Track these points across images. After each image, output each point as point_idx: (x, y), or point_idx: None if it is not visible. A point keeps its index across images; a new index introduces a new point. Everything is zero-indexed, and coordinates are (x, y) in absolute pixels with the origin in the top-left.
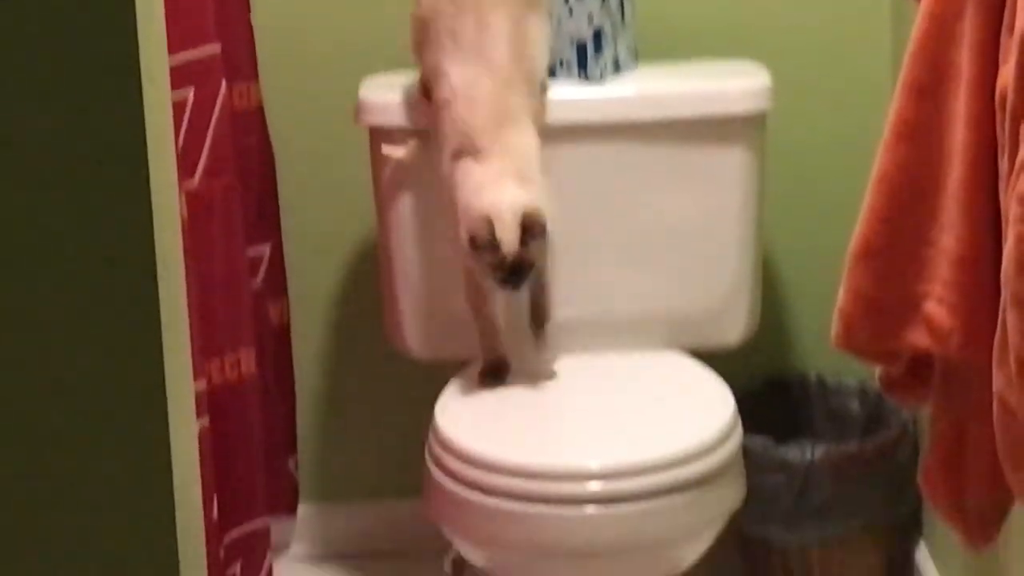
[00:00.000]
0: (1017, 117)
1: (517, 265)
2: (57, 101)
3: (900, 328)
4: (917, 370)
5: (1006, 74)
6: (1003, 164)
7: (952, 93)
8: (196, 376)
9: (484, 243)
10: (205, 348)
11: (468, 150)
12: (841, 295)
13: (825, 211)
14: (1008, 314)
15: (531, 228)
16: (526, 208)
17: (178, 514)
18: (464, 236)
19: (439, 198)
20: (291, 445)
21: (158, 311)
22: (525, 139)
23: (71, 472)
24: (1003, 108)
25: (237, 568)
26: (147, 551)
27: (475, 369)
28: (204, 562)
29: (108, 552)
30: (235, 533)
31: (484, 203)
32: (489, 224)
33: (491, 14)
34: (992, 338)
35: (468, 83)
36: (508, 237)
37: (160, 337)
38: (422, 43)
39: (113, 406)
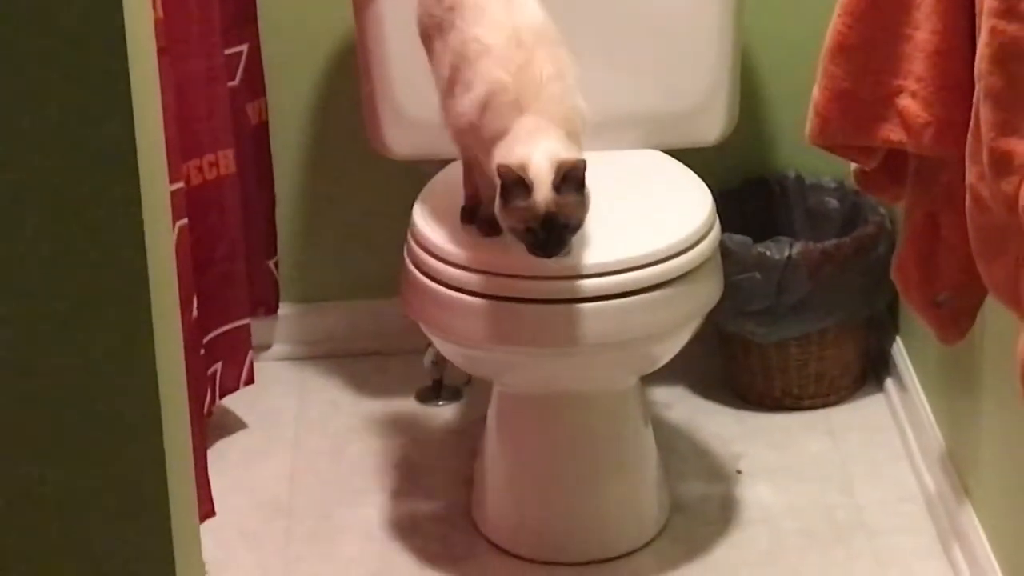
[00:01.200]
0: None
1: (551, 217)
2: None
3: (875, 123)
4: (891, 166)
5: None
6: None
7: None
8: (174, 176)
9: (514, 184)
10: (184, 148)
11: (504, 103)
12: (816, 90)
13: (804, 7)
14: (981, 107)
15: (569, 175)
16: (562, 154)
17: (154, 313)
18: (495, 183)
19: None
20: (272, 245)
21: (130, 110)
22: (570, 99)
23: (47, 284)
24: None
25: (218, 367)
26: (124, 349)
27: (455, 169)
28: (182, 360)
29: (85, 358)
30: (216, 332)
31: (517, 150)
32: (522, 167)
33: None
34: (966, 132)
35: (504, 39)
36: (542, 180)
37: (133, 136)
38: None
39: (86, 206)
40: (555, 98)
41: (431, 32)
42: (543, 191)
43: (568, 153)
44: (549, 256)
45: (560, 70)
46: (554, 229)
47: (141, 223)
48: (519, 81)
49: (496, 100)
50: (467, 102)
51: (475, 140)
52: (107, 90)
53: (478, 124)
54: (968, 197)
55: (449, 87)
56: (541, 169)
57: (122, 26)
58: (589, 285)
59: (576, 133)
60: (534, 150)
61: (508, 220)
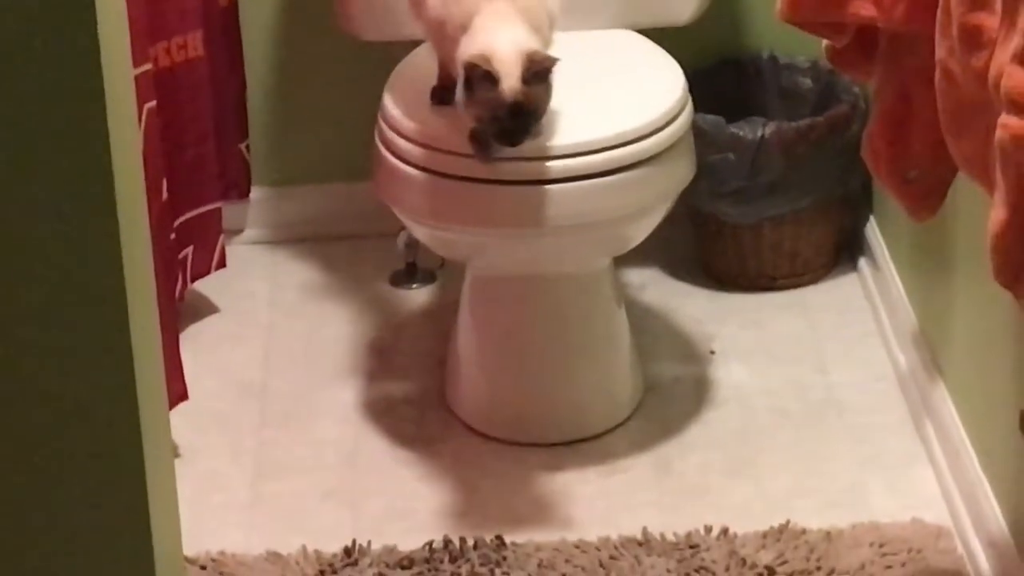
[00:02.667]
0: None
1: (518, 107)
2: None
3: None
4: (863, 42)
5: None
6: None
7: None
8: (141, 59)
9: (480, 77)
10: (151, 31)
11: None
12: None
13: None
14: None
15: (534, 67)
16: (530, 48)
17: (119, 194)
18: (459, 76)
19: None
20: (242, 129)
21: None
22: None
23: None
24: None
25: (189, 251)
26: (88, 231)
27: (425, 50)
28: (149, 243)
29: (48, 239)
30: (186, 216)
31: (481, 40)
32: (486, 60)
33: None
34: (935, 8)
35: None
36: (508, 71)
37: (94, 18)
38: None
39: (47, 86)
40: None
41: None
42: (510, 81)
43: (531, 43)
44: (514, 145)
45: None
46: (520, 118)
47: (103, 104)
48: None
49: None
50: (431, 5)
51: (442, 36)
52: None
53: (443, 17)
54: (938, 72)
55: None
56: (507, 59)
57: None
58: (560, 166)
59: (539, 27)
60: (498, 40)
61: (473, 110)
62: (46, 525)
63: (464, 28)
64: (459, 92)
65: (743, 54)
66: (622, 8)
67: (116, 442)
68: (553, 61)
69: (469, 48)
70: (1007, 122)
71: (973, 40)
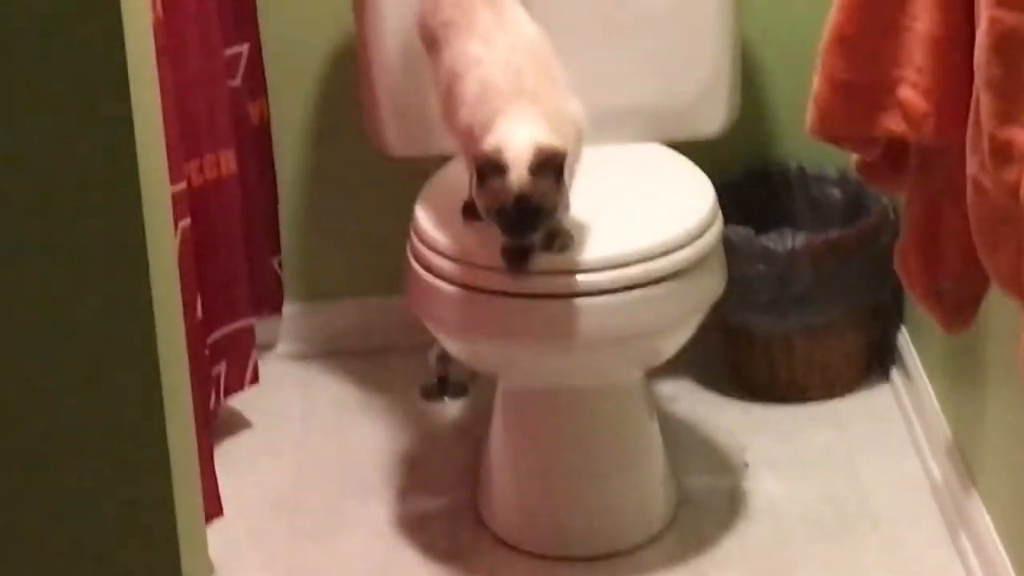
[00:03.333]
0: None
1: (525, 200)
2: None
3: (875, 114)
4: (893, 156)
5: None
6: None
7: None
8: (176, 178)
9: (489, 166)
10: (185, 149)
11: (495, 97)
12: (816, 82)
13: None
14: (981, 97)
15: (545, 160)
16: (542, 142)
17: (157, 314)
18: (471, 166)
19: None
20: (275, 244)
21: (129, 112)
22: (560, 102)
23: (47, 279)
24: None
25: (222, 367)
26: (127, 351)
27: (456, 165)
28: (186, 361)
29: (85, 356)
30: (220, 333)
31: (497, 135)
32: (497, 151)
33: (505, 5)
34: (966, 122)
35: (496, 52)
36: (516, 162)
37: (132, 138)
38: (433, 42)
39: (86, 206)
40: (544, 97)
41: (427, 42)
42: (517, 172)
43: (548, 139)
44: (522, 239)
45: (551, 79)
46: (526, 210)
47: (143, 225)
48: (511, 82)
49: (487, 95)
50: (463, 112)
51: (472, 143)
52: (106, 92)
53: (472, 122)
54: (969, 186)
55: (446, 102)
56: (517, 151)
57: (120, 27)
58: (591, 280)
59: (564, 131)
60: (512, 134)
61: (482, 200)
62: None
63: (487, 130)
64: (472, 183)
65: (772, 165)
66: (651, 122)
67: (154, 560)
68: (563, 154)
69: (484, 143)
70: None
71: (1004, 154)
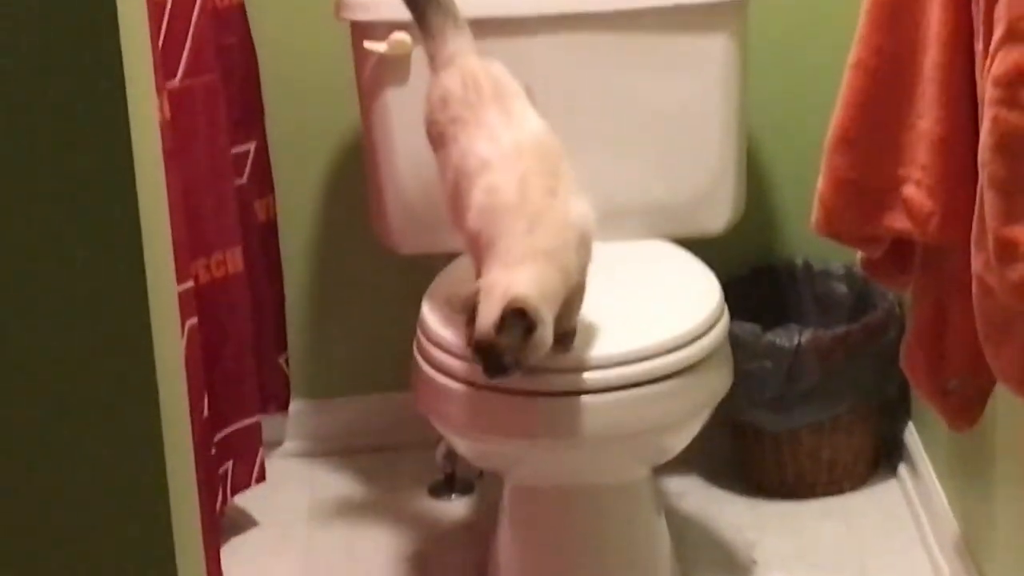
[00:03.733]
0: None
1: (486, 350)
2: (27, 9)
3: (880, 212)
4: (898, 254)
5: None
6: (978, 46)
7: None
8: (183, 276)
9: (462, 310)
10: (192, 247)
11: (499, 209)
12: (821, 181)
13: (809, 96)
14: (985, 196)
15: (512, 319)
16: (516, 296)
17: (163, 415)
18: (477, 265)
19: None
20: (281, 342)
21: (137, 216)
22: (561, 214)
23: (54, 381)
24: None
25: (229, 466)
26: (133, 452)
27: (464, 261)
28: (192, 460)
29: (93, 455)
30: (227, 431)
31: (492, 274)
32: (475, 293)
33: (513, 102)
34: (971, 220)
35: (503, 152)
36: (486, 314)
37: (140, 241)
38: (439, 138)
39: (95, 309)
40: (546, 215)
41: (435, 139)
42: (482, 323)
43: (525, 291)
44: (491, 378)
45: (557, 186)
46: (491, 357)
47: (149, 325)
48: (517, 191)
49: (493, 207)
50: (469, 219)
51: (478, 248)
52: (114, 194)
53: (476, 233)
54: (975, 285)
55: (453, 200)
56: (489, 303)
57: (128, 130)
58: (598, 377)
59: (564, 265)
60: (499, 282)
61: (466, 331)
62: None
63: (491, 246)
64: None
65: (777, 261)
66: (657, 219)
67: None
68: (532, 313)
69: (484, 277)
70: None
71: (1009, 253)
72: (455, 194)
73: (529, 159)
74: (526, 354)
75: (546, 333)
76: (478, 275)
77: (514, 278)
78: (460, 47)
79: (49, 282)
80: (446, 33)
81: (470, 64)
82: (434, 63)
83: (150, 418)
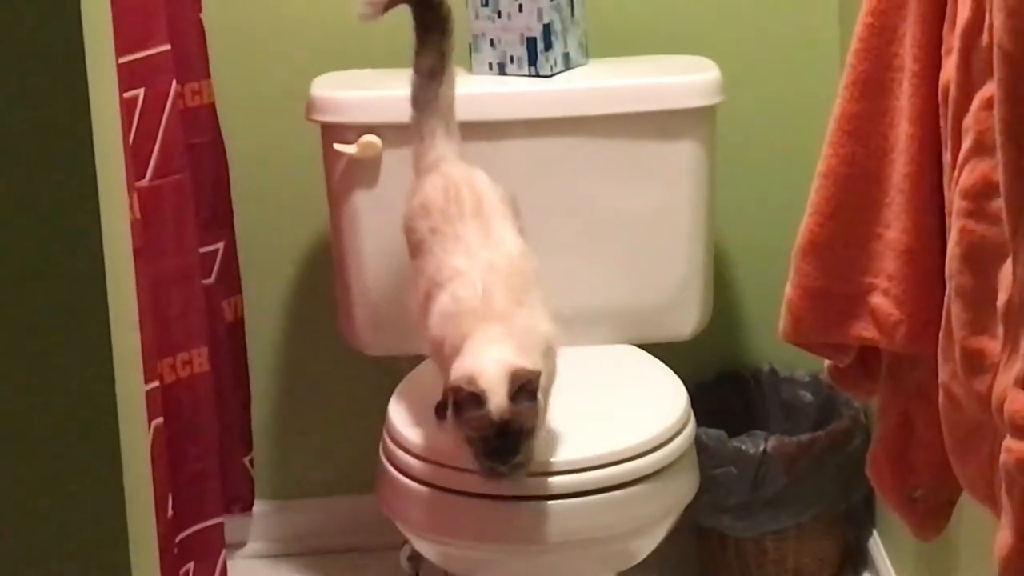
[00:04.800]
0: (959, 111)
1: (506, 426)
2: (2, 101)
3: (847, 320)
4: (865, 362)
5: (949, 68)
6: (947, 158)
7: (895, 88)
8: (150, 376)
9: (466, 399)
10: (158, 347)
11: (463, 316)
12: (788, 289)
13: (776, 204)
14: (952, 306)
15: (521, 383)
16: (515, 365)
17: (129, 515)
18: (448, 402)
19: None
20: (246, 442)
21: (107, 316)
22: (528, 320)
23: (21, 478)
24: (946, 102)
25: (191, 567)
26: (98, 551)
27: (430, 365)
28: (156, 561)
29: (58, 554)
30: (189, 531)
31: (467, 363)
32: (471, 381)
33: (493, 220)
34: (938, 330)
35: (476, 266)
36: (494, 390)
37: (109, 341)
38: (417, 245)
39: (63, 411)
40: (511, 318)
41: (413, 245)
42: (496, 400)
43: (520, 361)
44: (503, 463)
45: (524, 300)
46: (509, 436)
47: (117, 428)
48: (482, 298)
49: (457, 313)
50: (432, 324)
51: (441, 355)
52: (84, 291)
53: (440, 340)
54: (941, 394)
55: (422, 308)
56: (492, 378)
57: (99, 228)
58: (563, 482)
59: (531, 347)
60: (484, 360)
61: (463, 431)
62: None
63: (457, 350)
64: (448, 416)
65: (743, 367)
66: (624, 324)
67: None
68: (537, 374)
69: (455, 371)
70: (1011, 446)
71: (976, 364)
72: (425, 303)
73: (500, 274)
74: (536, 423)
75: (545, 402)
76: (445, 382)
77: (499, 354)
78: (446, 153)
79: (17, 377)
80: (436, 137)
81: (454, 173)
82: (419, 166)
83: (116, 518)
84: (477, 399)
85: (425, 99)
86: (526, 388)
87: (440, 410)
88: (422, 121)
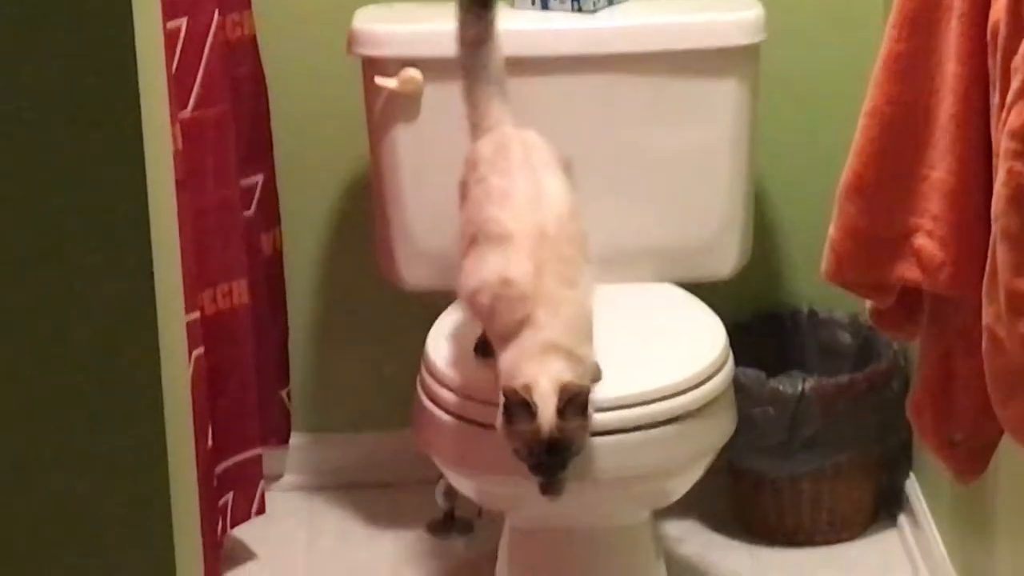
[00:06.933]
0: (1008, 51)
1: (555, 442)
2: (47, 37)
3: (890, 262)
4: (907, 304)
5: (998, 7)
6: (994, 98)
7: (943, 27)
8: (190, 307)
9: (518, 405)
10: (199, 279)
11: (515, 301)
12: (832, 229)
13: (818, 143)
14: (998, 248)
15: (572, 399)
16: (568, 380)
17: (169, 442)
18: (500, 407)
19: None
20: (284, 375)
21: (149, 245)
22: (577, 305)
23: (64, 407)
24: (995, 42)
25: (230, 497)
26: (138, 481)
27: None
28: (196, 490)
29: (98, 482)
30: (228, 462)
31: (525, 370)
32: (527, 390)
33: (541, 171)
34: (982, 272)
35: (526, 230)
36: (545, 403)
37: (151, 269)
38: (465, 195)
39: (106, 335)
40: (565, 309)
41: (462, 197)
42: (547, 415)
43: (573, 375)
44: (550, 478)
45: (575, 276)
46: (557, 453)
47: (158, 353)
48: (533, 285)
49: (507, 296)
50: (478, 282)
51: (481, 319)
52: (127, 222)
53: (487, 310)
54: (984, 337)
55: (467, 251)
56: (546, 393)
57: (143, 159)
58: (601, 419)
59: (585, 337)
60: (540, 372)
61: (511, 441)
62: None
63: (506, 334)
64: (499, 419)
65: (783, 308)
66: (665, 263)
67: None
68: (587, 391)
69: (511, 373)
70: None
71: (1020, 305)
72: (470, 246)
73: (550, 243)
74: (585, 440)
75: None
76: (483, 335)
77: (554, 367)
78: (501, 118)
79: (61, 307)
80: (492, 104)
81: (506, 131)
82: (475, 132)
83: (156, 447)
84: (528, 409)
85: (475, 66)
86: (577, 403)
87: (479, 347)
88: (477, 88)
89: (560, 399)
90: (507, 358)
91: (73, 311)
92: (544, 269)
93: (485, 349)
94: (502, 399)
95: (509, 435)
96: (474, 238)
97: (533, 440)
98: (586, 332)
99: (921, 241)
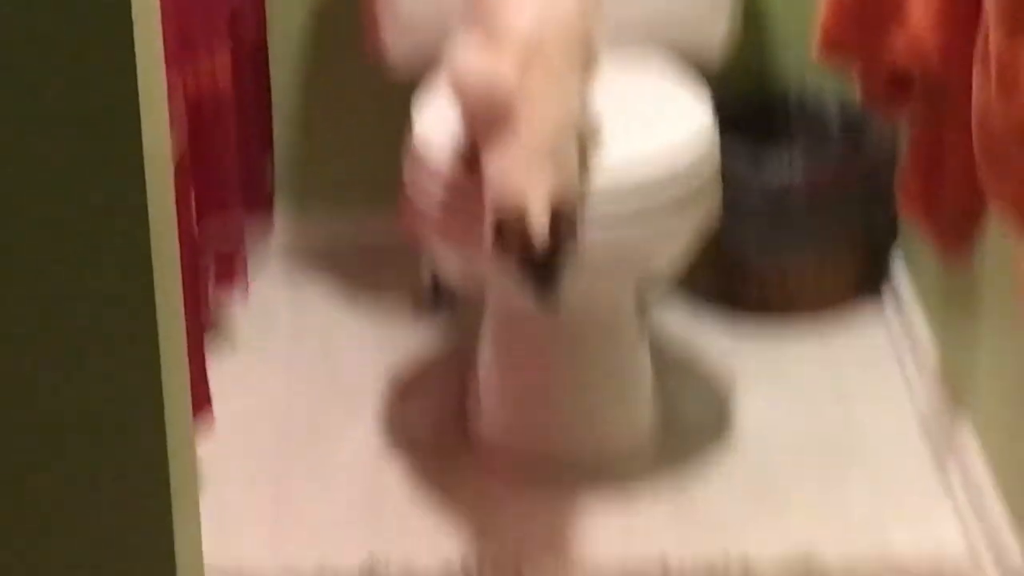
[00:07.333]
0: None
1: (547, 261)
2: None
3: (881, 40)
4: (897, 84)
5: None
6: None
7: None
8: (171, 92)
9: (509, 232)
10: (181, 57)
11: (503, 99)
12: (823, 7)
13: None
14: (990, 24)
15: (563, 216)
16: (559, 199)
17: (151, 201)
18: (489, 225)
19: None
20: (268, 156)
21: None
22: (566, 104)
23: (44, 189)
24: None
25: (212, 267)
26: (119, 251)
27: None
28: (177, 261)
29: (80, 263)
30: (212, 225)
31: (512, 190)
32: (518, 213)
33: None
34: (973, 51)
35: (527, 25)
36: (537, 226)
37: (132, 44)
38: None
39: (85, 116)
40: (552, 109)
41: None
42: (539, 238)
43: (563, 189)
44: (546, 295)
45: (568, 87)
46: (550, 272)
47: (139, 130)
48: (524, 86)
49: (496, 93)
50: (465, 71)
51: (464, 110)
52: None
53: (470, 102)
54: (975, 114)
55: (463, 34)
56: (537, 214)
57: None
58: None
59: (564, 153)
60: (530, 187)
61: (503, 261)
62: (70, 532)
63: (490, 131)
64: (487, 240)
65: (772, 91)
66: (652, 29)
67: (142, 453)
68: (574, 205)
69: (501, 190)
70: None
71: (1012, 79)
72: (465, 33)
73: (548, 45)
74: (576, 251)
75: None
76: (467, 134)
77: (537, 183)
78: None
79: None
80: None
81: None
82: None
83: (138, 213)
84: (520, 230)
85: None
86: (568, 218)
87: (464, 162)
88: None
89: (553, 221)
90: (493, 168)
91: (51, 64)
92: (533, 67)
93: (471, 164)
94: (491, 222)
95: (501, 256)
96: (472, 21)
97: (526, 261)
98: (567, 139)
99: (912, 21)
